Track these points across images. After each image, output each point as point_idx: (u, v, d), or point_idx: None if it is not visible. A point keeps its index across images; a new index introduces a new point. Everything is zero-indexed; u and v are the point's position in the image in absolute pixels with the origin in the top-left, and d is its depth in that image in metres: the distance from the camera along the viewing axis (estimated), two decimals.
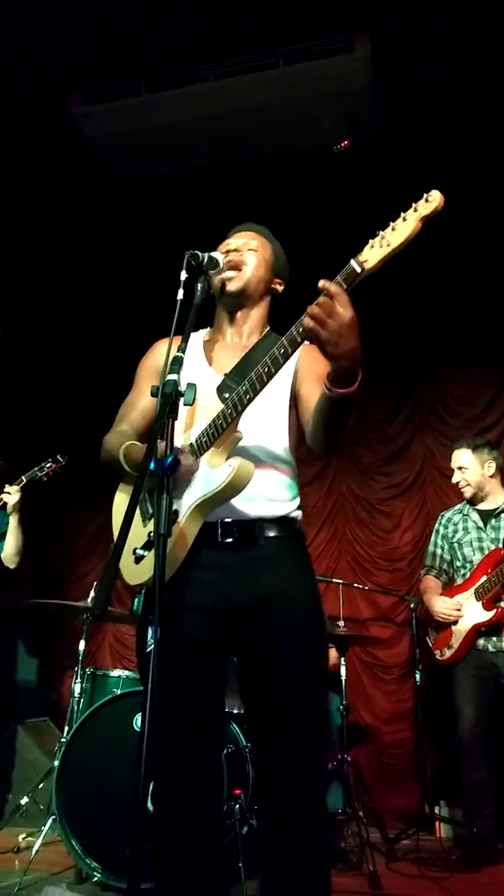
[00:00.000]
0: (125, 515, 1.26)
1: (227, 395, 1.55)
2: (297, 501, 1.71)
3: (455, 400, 4.45)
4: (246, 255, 1.78)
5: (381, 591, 4.13)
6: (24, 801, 3.29)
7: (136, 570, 1.62)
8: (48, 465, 3.58)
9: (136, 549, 1.62)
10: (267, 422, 1.67)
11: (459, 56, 3.75)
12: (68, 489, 4.33)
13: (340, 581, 3.89)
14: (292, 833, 1.47)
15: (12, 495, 3.54)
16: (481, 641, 3.09)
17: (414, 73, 3.86)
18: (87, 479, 3.83)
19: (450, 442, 3.87)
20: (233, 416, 1.51)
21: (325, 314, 1.31)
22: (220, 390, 1.62)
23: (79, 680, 3.13)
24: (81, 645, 3.28)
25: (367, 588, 4.06)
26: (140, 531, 1.64)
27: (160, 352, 1.80)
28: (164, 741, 1.47)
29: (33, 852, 2.67)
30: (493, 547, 3.18)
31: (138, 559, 1.61)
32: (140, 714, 2.39)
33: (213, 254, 1.70)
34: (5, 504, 3.56)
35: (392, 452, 4.50)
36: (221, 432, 1.53)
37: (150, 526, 1.63)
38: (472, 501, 3.34)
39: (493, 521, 3.25)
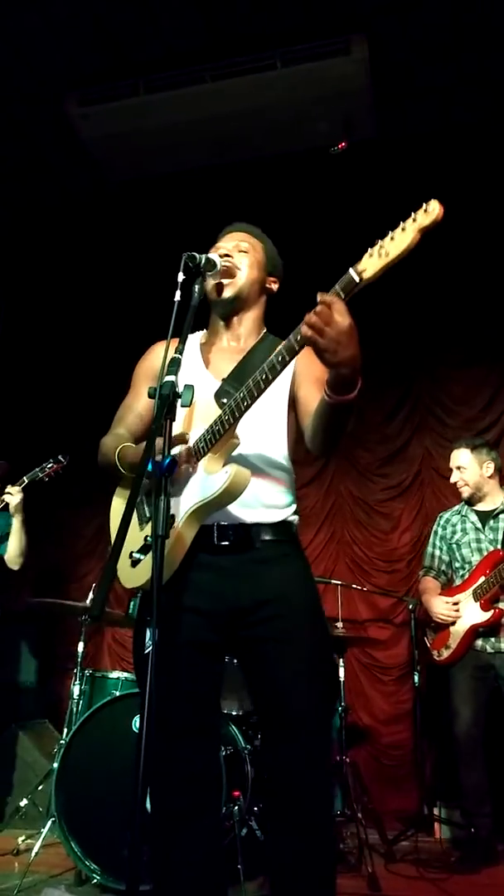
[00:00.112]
0: (122, 518, 1.27)
1: (224, 401, 1.55)
2: (294, 506, 1.72)
3: (453, 400, 4.45)
4: (237, 260, 1.77)
5: (379, 593, 4.13)
6: (24, 803, 3.29)
7: (132, 574, 1.63)
8: (49, 465, 3.58)
9: (132, 552, 1.62)
10: (264, 427, 1.67)
11: (456, 57, 3.76)
12: (68, 490, 4.33)
13: (339, 582, 3.89)
14: (297, 834, 1.47)
15: (14, 496, 3.54)
16: (479, 642, 3.09)
17: (411, 74, 3.87)
18: (86, 480, 3.83)
19: (448, 442, 3.87)
20: (230, 423, 1.51)
21: (322, 323, 1.31)
22: (218, 396, 1.62)
23: (78, 682, 3.13)
24: (80, 646, 3.28)
25: (365, 589, 4.06)
26: (136, 535, 1.65)
27: (157, 354, 1.80)
28: (163, 742, 1.47)
29: (33, 854, 2.67)
30: (491, 548, 3.18)
31: (135, 563, 1.62)
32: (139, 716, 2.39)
33: (210, 255, 1.70)
34: (6, 505, 3.56)
35: (390, 453, 4.50)
36: (219, 438, 1.53)
37: (147, 530, 1.63)
38: (470, 502, 3.34)
39: (491, 522, 3.25)
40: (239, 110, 3.86)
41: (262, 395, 1.48)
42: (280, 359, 1.43)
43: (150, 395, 1.44)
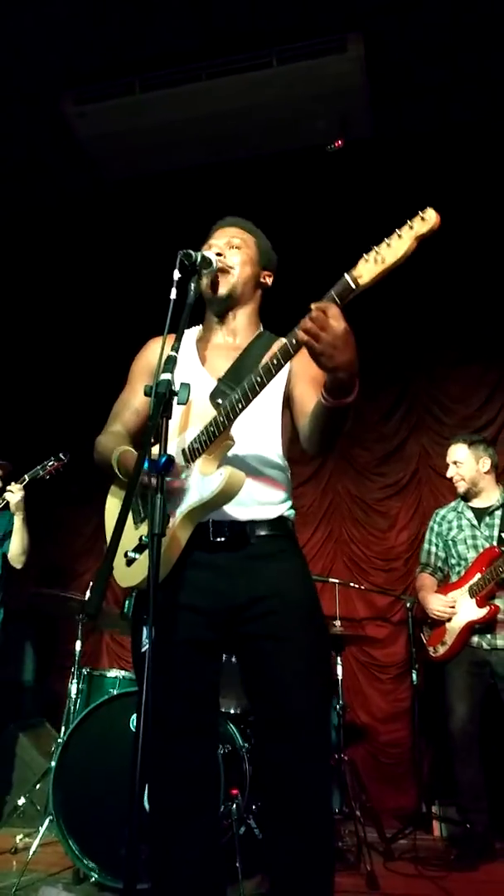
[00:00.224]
0: (118, 518, 1.27)
1: (220, 402, 1.55)
2: (289, 503, 1.72)
3: (450, 399, 4.45)
4: (230, 257, 1.77)
5: (377, 591, 4.13)
6: (22, 801, 3.30)
7: (127, 573, 1.63)
8: (50, 463, 3.58)
9: (127, 552, 1.62)
10: (260, 428, 1.67)
11: (453, 55, 3.76)
12: (67, 488, 4.32)
13: (336, 581, 3.90)
14: (296, 833, 1.47)
15: (15, 494, 3.54)
16: (475, 639, 3.10)
17: (407, 73, 3.86)
18: (85, 478, 3.83)
19: (445, 441, 3.87)
20: (225, 425, 1.51)
21: (318, 328, 1.31)
22: (214, 396, 1.62)
23: (75, 680, 3.13)
24: (78, 645, 3.28)
25: (363, 588, 4.06)
26: (131, 534, 1.65)
27: (154, 350, 1.80)
28: (161, 740, 1.47)
29: (31, 853, 2.67)
30: (487, 545, 3.19)
31: (130, 562, 1.62)
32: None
33: (206, 253, 1.70)
34: (7, 504, 3.57)
35: (388, 452, 4.51)
36: (214, 439, 1.53)
37: (142, 529, 1.63)
38: (466, 497, 3.35)
39: (486, 518, 3.26)
40: (235, 109, 3.86)
41: (258, 397, 1.48)
42: (275, 362, 1.44)
43: (147, 394, 1.44)
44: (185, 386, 1.44)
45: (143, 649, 1.22)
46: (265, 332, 1.82)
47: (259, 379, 1.46)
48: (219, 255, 1.75)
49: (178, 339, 1.53)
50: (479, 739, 3.07)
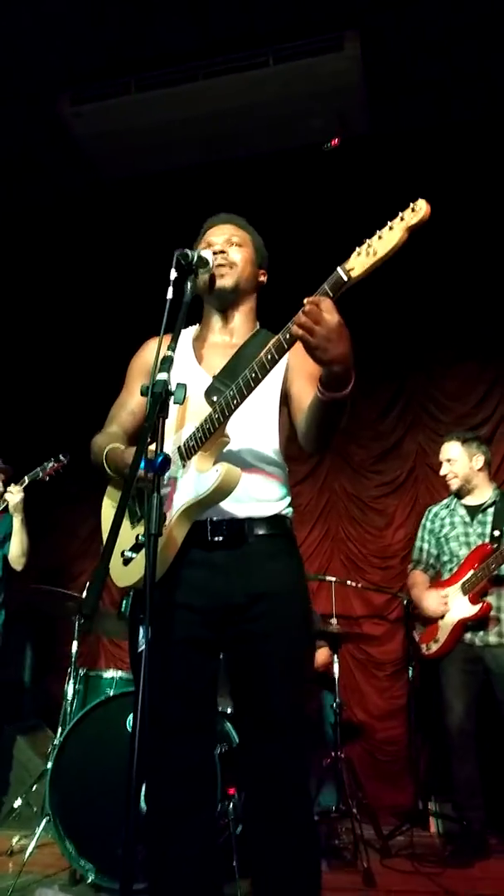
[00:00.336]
0: (114, 518, 1.27)
1: (215, 399, 1.55)
2: (287, 500, 1.72)
3: (447, 396, 4.46)
4: (232, 254, 1.77)
5: (373, 589, 4.13)
6: (18, 803, 3.29)
7: (124, 572, 1.63)
8: (50, 464, 3.58)
9: (123, 551, 1.62)
10: (256, 424, 1.67)
11: (449, 53, 3.76)
12: (65, 489, 4.32)
13: (333, 579, 3.90)
14: (278, 831, 1.48)
15: (15, 495, 3.54)
16: (468, 636, 3.11)
17: (404, 71, 3.87)
18: (83, 479, 3.82)
19: (442, 438, 3.88)
20: (220, 421, 1.51)
21: (311, 321, 1.32)
22: (209, 393, 1.62)
23: (72, 681, 3.12)
24: (74, 646, 3.27)
25: (359, 586, 4.06)
26: (128, 534, 1.65)
27: (150, 350, 1.80)
28: (159, 738, 1.48)
29: (27, 854, 2.66)
30: (479, 542, 3.20)
31: (126, 561, 1.62)
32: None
33: (203, 252, 1.70)
34: (6, 507, 3.57)
35: (384, 450, 4.51)
36: (209, 436, 1.53)
37: (139, 528, 1.63)
38: (459, 494, 3.36)
39: (479, 515, 3.27)
40: (232, 108, 3.86)
41: (253, 392, 1.48)
42: (270, 357, 1.44)
43: (143, 393, 1.44)
44: (182, 386, 1.44)
45: (140, 649, 1.22)
46: (262, 329, 1.82)
47: (254, 374, 1.46)
48: (221, 252, 1.75)
49: (175, 339, 1.53)
50: (475, 736, 3.08)
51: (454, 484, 3.33)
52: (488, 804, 3.06)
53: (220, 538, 1.60)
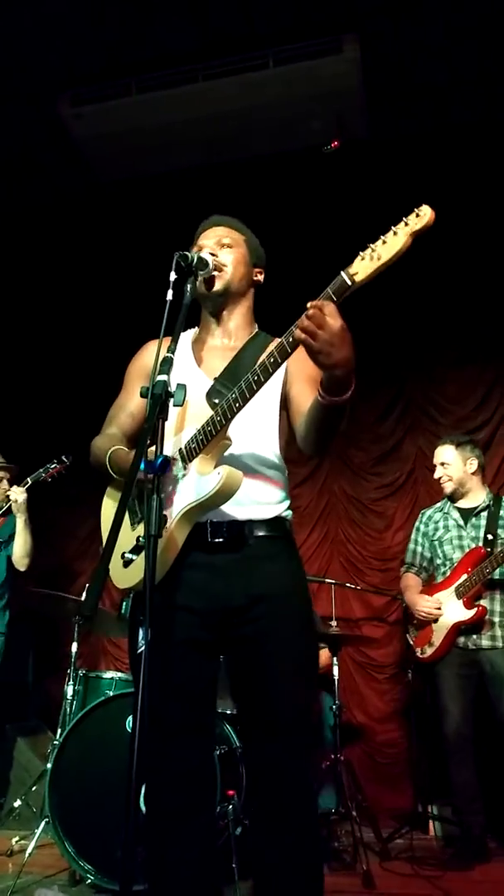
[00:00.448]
0: (114, 519, 1.27)
1: (216, 402, 1.56)
2: (287, 503, 1.72)
3: (447, 399, 4.46)
4: (222, 256, 1.77)
5: (373, 591, 4.13)
6: (18, 803, 3.29)
7: (124, 574, 1.63)
8: (52, 465, 3.59)
9: (124, 553, 1.62)
10: (257, 427, 1.67)
11: (449, 57, 3.77)
12: (64, 491, 4.32)
13: (333, 581, 3.90)
14: (286, 833, 1.48)
15: (18, 496, 3.55)
16: (461, 639, 3.11)
17: (403, 74, 3.88)
18: (81, 481, 3.83)
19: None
20: (222, 424, 1.52)
21: (315, 326, 1.32)
22: (210, 396, 1.62)
23: (71, 682, 3.12)
24: (74, 647, 3.27)
25: (359, 588, 4.06)
26: (128, 535, 1.65)
27: (150, 352, 1.80)
28: (159, 740, 1.48)
29: (27, 855, 2.67)
30: (473, 545, 3.20)
31: (127, 563, 1.62)
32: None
33: (202, 254, 1.70)
34: (10, 507, 3.58)
35: (384, 452, 4.51)
36: (211, 439, 1.53)
37: (139, 530, 1.63)
38: (453, 498, 3.36)
39: (473, 519, 3.27)
40: (232, 110, 3.86)
41: (255, 396, 1.48)
42: (272, 360, 1.44)
43: (143, 395, 1.44)
44: (182, 387, 1.44)
45: (140, 650, 1.22)
46: (261, 332, 1.83)
47: (256, 378, 1.46)
48: (212, 255, 1.75)
49: (175, 341, 1.53)
50: (473, 740, 3.07)
51: (448, 487, 3.34)
52: (488, 808, 3.05)
53: (221, 540, 1.60)
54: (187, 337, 1.85)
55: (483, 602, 3.08)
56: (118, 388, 1.87)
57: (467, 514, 3.30)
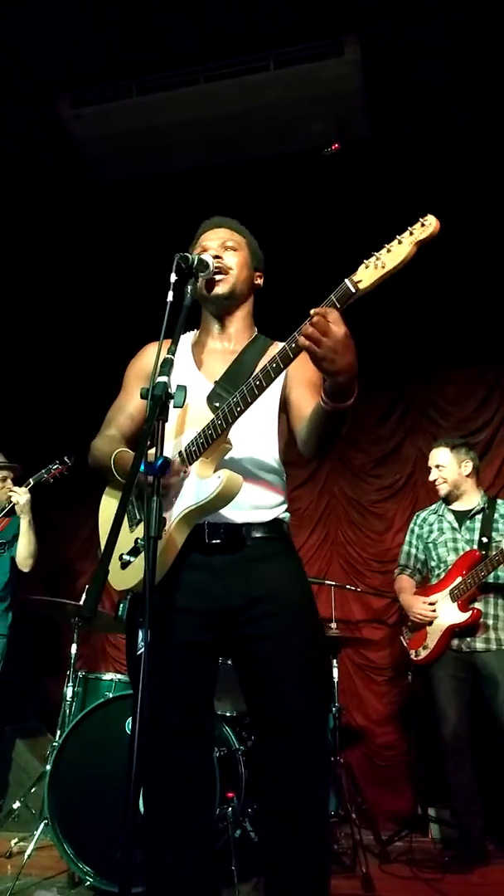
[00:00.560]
0: (113, 521, 1.26)
1: (217, 405, 1.56)
2: (285, 506, 1.72)
3: (447, 401, 4.46)
4: (227, 259, 1.77)
5: (373, 593, 4.13)
6: (17, 805, 3.28)
7: (122, 576, 1.62)
8: (55, 466, 3.59)
9: (122, 554, 1.62)
10: (256, 431, 1.67)
11: (449, 58, 3.77)
12: (65, 491, 4.32)
13: (333, 583, 3.90)
14: (294, 834, 1.47)
15: (21, 496, 3.55)
16: (455, 642, 3.10)
17: (404, 76, 3.88)
18: (82, 482, 3.83)
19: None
20: (223, 428, 1.52)
21: (319, 333, 1.32)
22: (211, 399, 1.62)
23: (71, 683, 3.12)
24: (73, 648, 3.27)
25: (359, 590, 4.06)
26: (127, 537, 1.64)
27: (149, 354, 1.80)
28: (158, 742, 1.47)
29: (25, 857, 2.66)
30: (467, 548, 3.20)
31: (125, 565, 1.62)
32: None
33: (203, 256, 1.70)
34: (13, 507, 3.58)
35: (384, 454, 4.51)
36: (211, 442, 1.53)
37: (137, 532, 1.63)
38: (447, 500, 3.36)
39: (467, 521, 3.27)
40: (232, 111, 3.87)
41: (256, 400, 1.48)
42: (275, 366, 1.45)
43: (143, 396, 1.44)
44: (182, 388, 1.44)
45: (139, 652, 1.21)
46: (260, 335, 1.83)
47: (258, 382, 1.46)
48: (216, 257, 1.75)
49: (175, 343, 1.53)
50: (471, 742, 3.07)
51: (443, 490, 3.35)
52: (487, 811, 3.05)
53: (218, 541, 1.60)
54: (187, 339, 1.85)
55: (477, 605, 3.08)
56: (114, 389, 1.87)
57: (462, 516, 3.30)
